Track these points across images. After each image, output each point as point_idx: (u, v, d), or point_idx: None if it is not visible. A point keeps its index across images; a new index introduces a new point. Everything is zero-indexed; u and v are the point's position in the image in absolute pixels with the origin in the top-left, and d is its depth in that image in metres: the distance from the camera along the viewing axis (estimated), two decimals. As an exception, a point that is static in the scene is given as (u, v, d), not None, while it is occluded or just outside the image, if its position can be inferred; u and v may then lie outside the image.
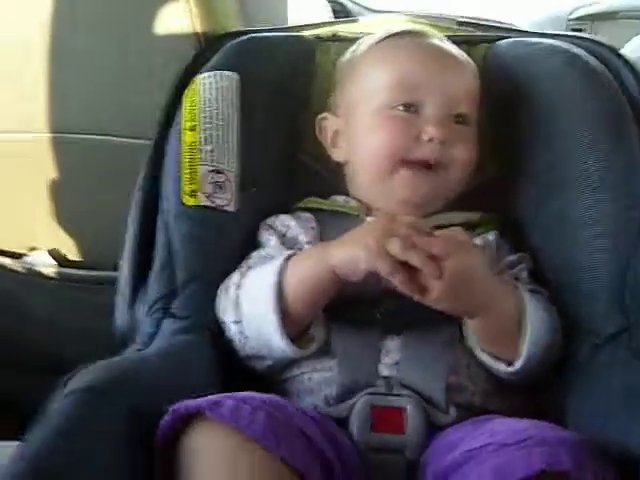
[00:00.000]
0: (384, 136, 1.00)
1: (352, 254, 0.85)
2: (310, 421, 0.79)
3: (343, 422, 0.87)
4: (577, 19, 2.24)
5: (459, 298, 0.85)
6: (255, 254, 1.02)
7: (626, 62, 1.13)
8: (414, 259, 0.81)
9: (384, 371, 0.90)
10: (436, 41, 1.06)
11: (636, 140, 1.03)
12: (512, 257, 1.02)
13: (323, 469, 0.76)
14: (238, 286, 0.95)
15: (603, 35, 2.13)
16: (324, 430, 0.80)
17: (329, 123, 1.09)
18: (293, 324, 0.90)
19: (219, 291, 0.97)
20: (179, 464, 0.75)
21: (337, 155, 1.09)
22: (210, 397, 0.76)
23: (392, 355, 0.91)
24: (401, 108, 1.01)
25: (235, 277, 0.96)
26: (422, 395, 0.88)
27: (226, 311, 0.95)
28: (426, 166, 0.99)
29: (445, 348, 0.92)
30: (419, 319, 0.92)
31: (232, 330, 0.94)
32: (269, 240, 1.02)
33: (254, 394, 0.79)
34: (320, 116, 1.10)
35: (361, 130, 1.04)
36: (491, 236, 1.02)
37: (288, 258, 0.92)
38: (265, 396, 0.79)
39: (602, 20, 2.23)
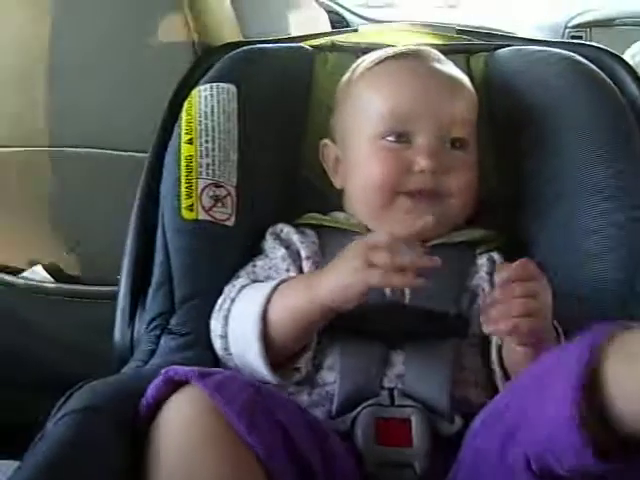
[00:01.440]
0: (376, 169, 0.99)
1: (341, 283, 0.84)
2: (299, 423, 0.77)
3: (348, 436, 0.85)
4: (575, 27, 2.23)
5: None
6: (261, 263, 1.00)
7: (629, 69, 1.12)
8: (404, 260, 0.80)
9: (388, 383, 0.89)
10: (431, 64, 1.04)
11: None
12: None
13: (299, 470, 0.75)
14: (232, 301, 0.94)
15: (600, 42, 2.13)
16: (315, 436, 0.78)
17: (330, 150, 1.08)
18: (277, 353, 0.89)
19: (219, 301, 0.96)
20: (155, 430, 0.73)
21: (337, 182, 1.08)
22: (202, 369, 0.76)
23: (396, 368, 0.90)
24: (393, 138, 1.00)
25: (234, 290, 0.95)
26: (426, 405, 0.87)
27: (216, 322, 0.94)
28: (424, 196, 0.99)
29: (449, 360, 0.90)
30: (423, 332, 0.91)
31: (217, 344, 0.93)
32: (275, 249, 1.01)
33: (253, 380, 0.79)
34: (322, 142, 1.09)
35: (355, 160, 1.03)
36: (496, 255, 1.01)
37: (278, 285, 0.90)
38: (261, 385, 0.79)
39: (599, 27, 2.22)
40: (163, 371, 0.76)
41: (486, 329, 0.85)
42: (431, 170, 0.97)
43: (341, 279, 0.84)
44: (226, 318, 0.93)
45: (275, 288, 0.90)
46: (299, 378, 0.90)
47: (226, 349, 0.92)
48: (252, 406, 0.73)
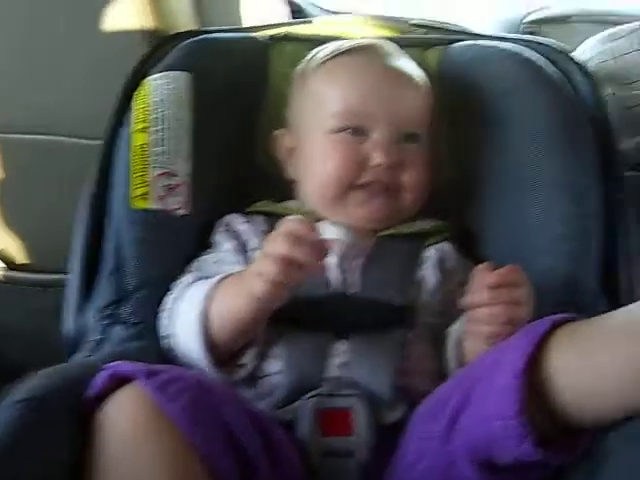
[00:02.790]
0: (331, 163, 1.00)
1: (258, 282, 0.84)
2: (243, 418, 0.77)
3: (292, 427, 0.86)
4: (530, 23, 2.24)
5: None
6: (210, 257, 1.00)
7: (579, 66, 1.14)
8: (297, 254, 0.81)
9: (332, 373, 0.89)
10: (385, 59, 1.05)
11: (590, 143, 1.04)
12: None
13: (241, 464, 0.75)
14: (176, 300, 0.94)
15: (555, 39, 2.15)
16: (259, 429, 0.79)
17: (284, 141, 1.08)
18: (221, 351, 0.90)
19: (166, 299, 0.96)
20: (96, 425, 0.73)
21: (291, 172, 1.08)
22: (150, 366, 0.76)
23: (341, 357, 0.90)
24: (349, 132, 1.00)
25: (179, 289, 0.95)
26: (370, 394, 0.87)
27: (162, 322, 0.94)
28: (378, 189, 1.00)
29: (394, 350, 0.91)
30: (368, 322, 0.92)
31: (164, 342, 0.94)
32: (222, 244, 1.01)
33: (198, 376, 0.79)
34: (276, 132, 1.09)
35: (310, 154, 1.04)
36: (445, 246, 1.02)
37: (218, 283, 0.91)
38: (206, 380, 0.79)
39: (554, 24, 2.24)
40: (110, 366, 0.76)
41: (466, 327, 0.87)
42: (386, 165, 0.98)
43: (255, 280, 0.84)
44: (171, 318, 0.93)
45: (215, 286, 0.90)
46: (244, 374, 0.91)
47: (171, 348, 0.93)
48: (195, 405, 0.74)
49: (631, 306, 0.81)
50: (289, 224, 0.83)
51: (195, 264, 1.00)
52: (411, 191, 1.01)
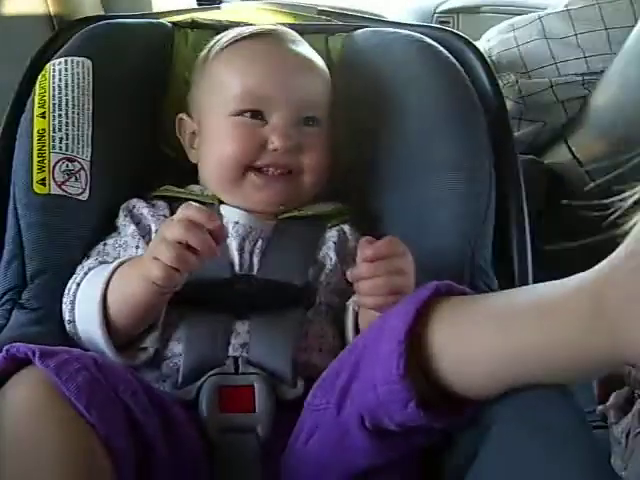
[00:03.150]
0: (231, 145, 1.01)
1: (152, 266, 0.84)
2: (140, 396, 0.78)
3: (193, 405, 0.87)
4: (443, 12, 2.30)
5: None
6: (111, 242, 1.01)
7: (478, 53, 1.17)
8: (192, 240, 0.82)
9: (233, 352, 0.91)
10: (285, 44, 1.06)
11: (484, 129, 1.07)
12: None
13: (139, 443, 0.76)
14: (78, 285, 0.94)
15: (467, 28, 2.20)
16: (157, 409, 0.80)
17: (186, 125, 1.09)
18: (122, 335, 0.90)
19: (68, 284, 0.96)
20: None
21: (193, 156, 1.09)
22: (47, 347, 0.76)
23: (241, 336, 0.92)
24: (248, 115, 1.02)
25: (80, 274, 0.95)
26: (270, 372, 0.89)
27: (65, 307, 0.94)
28: (276, 173, 1.01)
29: (293, 328, 0.93)
30: (269, 302, 0.94)
31: (67, 327, 0.94)
32: (126, 227, 1.01)
33: (95, 356, 0.79)
34: (179, 116, 1.10)
35: (210, 137, 1.05)
36: (346, 227, 1.04)
37: (117, 267, 0.91)
38: (104, 362, 0.80)
39: (466, 13, 2.30)
40: (5, 348, 0.76)
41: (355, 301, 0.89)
42: (284, 149, 1.00)
43: (151, 262, 0.85)
44: (72, 303, 0.93)
45: (114, 270, 0.91)
46: (146, 358, 0.92)
47: (75, 333, 0.93)
48: (92, 385, 0.74)
49: (514, 290, 0.84)
50: (186, 210, 0.84)
51: (99, 248, 1.00)
52: (310, 174, 1.03)
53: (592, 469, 0.71)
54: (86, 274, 0.95)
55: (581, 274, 0.71)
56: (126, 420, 0.76)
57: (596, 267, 0.70)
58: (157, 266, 0.83)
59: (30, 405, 0.73)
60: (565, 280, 0.73)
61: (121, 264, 0.91)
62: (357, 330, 0.93)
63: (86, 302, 0.91)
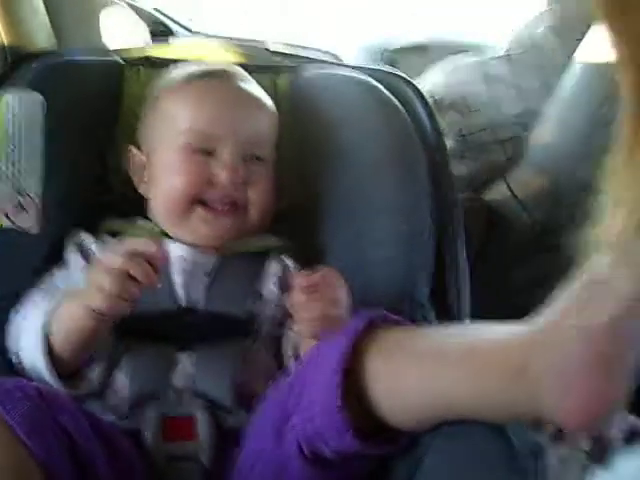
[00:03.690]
0: (179, 179, 1.04)
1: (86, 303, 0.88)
2: (84, 427, 0.81)
3: (137, 435, 0.90)
4: (391, 51, 2.36)
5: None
6: (60, 274, 1.03)
7: (418, 93, 1.22)
8: (134, 269, 0.85)
9: (176, 382, 0.93)
10: (234, 83, 1.10)
11: (424, 167, 1.12)
12: None
13: (81, 471, 0.79)
14: (24, 317, 0.96)
15: (414, 66, 2.26)
16: (100, 438, 0.82)
17: (136, 157, 1.12)
18: (64, 366, 0.92)
19: (12, 316, 0.98)
20: None
21: (142, 189, 1.11)
22: None
23: (185, 367, 0.95)
24: (197, 150, 1.05)
25: (26, 306, 0.97)
26: (212, 401, 0.92)
27: (9, 338, 0.96)
28: (223, 207, 1.04)
29: (235, 358, 0.96)
30: (212, 334, 0.97)
31: (12, 359, 0.96)
32: (73, 262, 1.04)
33: (39, 386, 0.83)
34: (128, 148, 1.12)
35: (159, 169, 1.07)
36: (289, 262, 1.08)
37: (60, 298, 0.93)
38: (48, 391, 0.83)
39: (414, 52, 2.36)
40: None
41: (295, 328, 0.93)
42: (231, 183, 1.03)
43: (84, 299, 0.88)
44: (17, 333, 0.95)
45: (57, 300, 0.93)
46: (91, 388, 0.93)
47: (20, 363, 0.95)
48: (34, 413, 0.77)
49: (448, 331, 0.88)
50: (129, 242, 0.88)
51: (46, 279, 1.02)
52: (256, 209, 1.06)
53: None
54: (29, 305, 0.97)
55: (511, 330, 0.77)
56: (67, 448, 0.79)
57: (524, 327, 0.75)
58: (101, 296, 0.85)
59: None
60: (495, 332, 0.79)
61: (64, 295, 0.93)
62: (297, 358, 0.96)
63: (29, 332, 0.93)
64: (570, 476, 1.27)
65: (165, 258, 0.87)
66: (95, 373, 0.94)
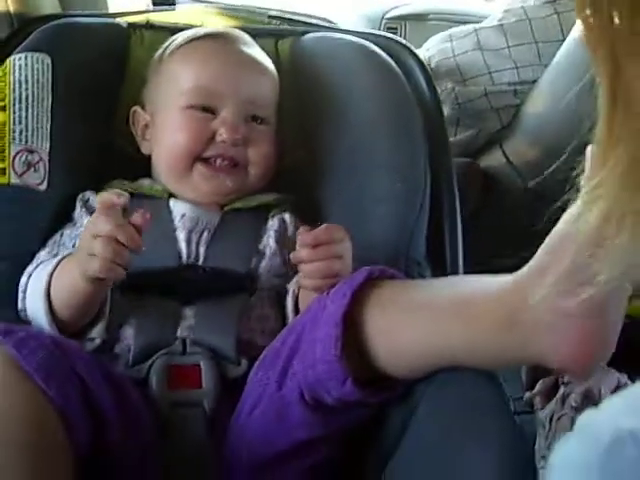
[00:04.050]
0: (181, 136, 1.07)
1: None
2: (96, 374, 0.85)
3: (144, 384, 0.93)
4: (391, 19, 2.37)
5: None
6: (68, 232, 1.06)
7: (418, 60, 1.25)
8: (121, 236, 0.87)
9: (180, 334, 0.97)
10: (237, 46, 1.13)
11: (420, 128, 1.15)
12: None
13: (94, 416, 0.83)
14: (29, 276, 0.99)
15: (413, 34, 2.29)
16: (111, 385, 0.86)
17: (139, 117, 1.15)
18: (67, 327, 0.95)
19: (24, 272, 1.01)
20: None
21: (145, 148, 1.15)
22: (7, 325, 0.83)
23: (188, 320, 0.98)
24: (199, 109, 1.08)
25: (32, 265, 1.00)
26: (215, 352, 0.95)
27: (19, 297, 0.99)
28: (223, 164, 1.07)
29: (237, 312, 0.99)
30: (214, 289, 1.00)
31: (21, 315, 0.99)
32: (80, 220, 1.06)
33: (53, 335, 0.87)
34: (132, 109, 1.15)
35: (162, 128, 1.11)
36: (286, 216, 1.11)
37: (60, 261, 0.96)
38: (61, 340, 0.86)
39: (414, 21, 2.38)
40: None
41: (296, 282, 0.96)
42: (232, 141, 1.06)
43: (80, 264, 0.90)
44: (24, 293, 0.98)
45: (57, 264, 0.95)
46: (94, 347, 0.96)
47: (27, 321, 0.98)
48: (50, 360, 0.80)
49: (443, 282, 0.92)
50: (102, 199, 0.91)
51: (55, 238, 1.05)
52: (256, 167, 1.09)
53: (509, 449, 0.79)
54: (36, 267, 1.00)
55: (502, 280, 0.80)
56: (82, 393, 0.82)
57: (516, 277, 0.79)
58: (96, 261, 0.87)
59: None
60: (487, 283, 0.82)
61: (63, 259, 0.96)
62: (297, 311, 1.00)
63: (33, 294, 0.97)
64: (561, 432, 1.32)
65: (147, 220, 0.89)
66: (96, 333, 0.97)
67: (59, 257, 0.97)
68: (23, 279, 0.99)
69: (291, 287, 1.01)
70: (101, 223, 0.88)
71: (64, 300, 0.94)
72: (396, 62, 1.21)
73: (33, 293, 0.97)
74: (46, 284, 0.94)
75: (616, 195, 0.46)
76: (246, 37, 1.17)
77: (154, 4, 1.72)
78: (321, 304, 0.86)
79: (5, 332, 0.81)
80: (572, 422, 1.30)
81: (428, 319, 0.82)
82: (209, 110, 1.08)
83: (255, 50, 1.15)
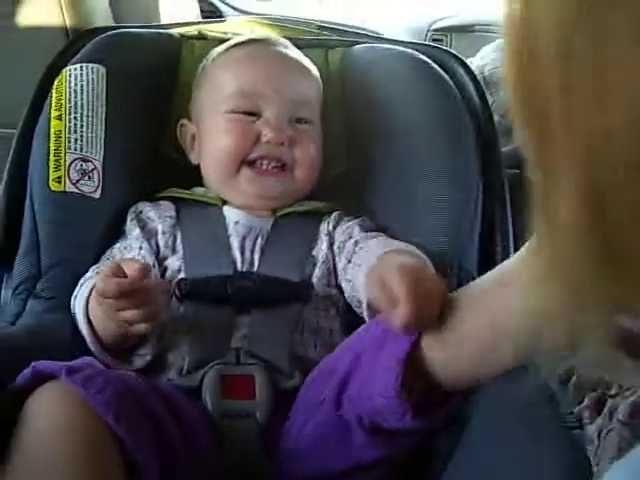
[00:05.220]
0: (226, 139, 1.08)
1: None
2: (160, 405, 0.83)
3: (196, 392, 0.92)
4: (436, 30, 2.37)
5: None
6: (118, 245, 1.07)
7: (468, 70, 1.24)
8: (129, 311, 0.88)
9: (234, 343, 0.96)
10: (280, 49, 1.14)
11: (472, 139, 1.14)
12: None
13: (162, 453, 0.80)
14: (80, 285, 1.00)
15: (460, 46, 2.28)
16: (169, 405, 0.85)
17: (187, 129, 1.16)
18: (111, 347, 0.95)
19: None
20: (21, 417, 0.76)
21: (194, 158, 1.15)
22: (72, 363, 0.81)
23: (242, 329, 0.97)
24: (243, 112, 1.08)
25: (83, 279, 1.01)
26: (268, 363, 0.95)
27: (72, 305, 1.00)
28: (269, 167, 1.07)
29: (291, 322, 0.99)
30: (268, 298, 1.00)
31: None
32: (130, 231, 1.07)
33: (109, 371, 0.84)
34: (180, 122, 1.16)
35: (207, 134, 1.11)
36: (337, 214, 1.11)
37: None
38: (119, 373, 0.85)
39: (460, 32, 2.37)
40: (32, 365, 0.80)
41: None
42: (276, 141, 1.06)
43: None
44: (74, 307, 0.99)
45: (93, 288, 0.93)
46: (143, 364, 0.96)
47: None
48: (119, 398, 0.77)
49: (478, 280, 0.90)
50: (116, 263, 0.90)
51: (107, 252, 1.06)
52: (302, 169, 1.09)
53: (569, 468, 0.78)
54: (84, 282, 1.00)
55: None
56: (151, 431, 0.80)
57: None
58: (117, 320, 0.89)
59: (58, 415, 0.75)
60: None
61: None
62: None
63: (78, 312, 0.97)
64: (609, 448, 1.29)
65: (164, 285, 0.92)
66: (146, 351, 0.97)
67: (94, 280, 0.96)
68: (75, 292, 1.00)
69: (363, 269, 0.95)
70: (108, 290, 0.87)
71: (100, 329, 0.94)
72: (446, 72, 1.20)
73: (77, 310, 0.97)
74: (84, 309, 0.95)
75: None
76: (286, 42, 1.18)
77: (203, 17, 1.75)
78: (384, 334, 0.84)
79: (69, 371, 0.78)
80: (620, 437, 1.27)
81: (484, 345, 0.80)
82: (253, 113, 1.08)
83: (296, 53, 1.16)
